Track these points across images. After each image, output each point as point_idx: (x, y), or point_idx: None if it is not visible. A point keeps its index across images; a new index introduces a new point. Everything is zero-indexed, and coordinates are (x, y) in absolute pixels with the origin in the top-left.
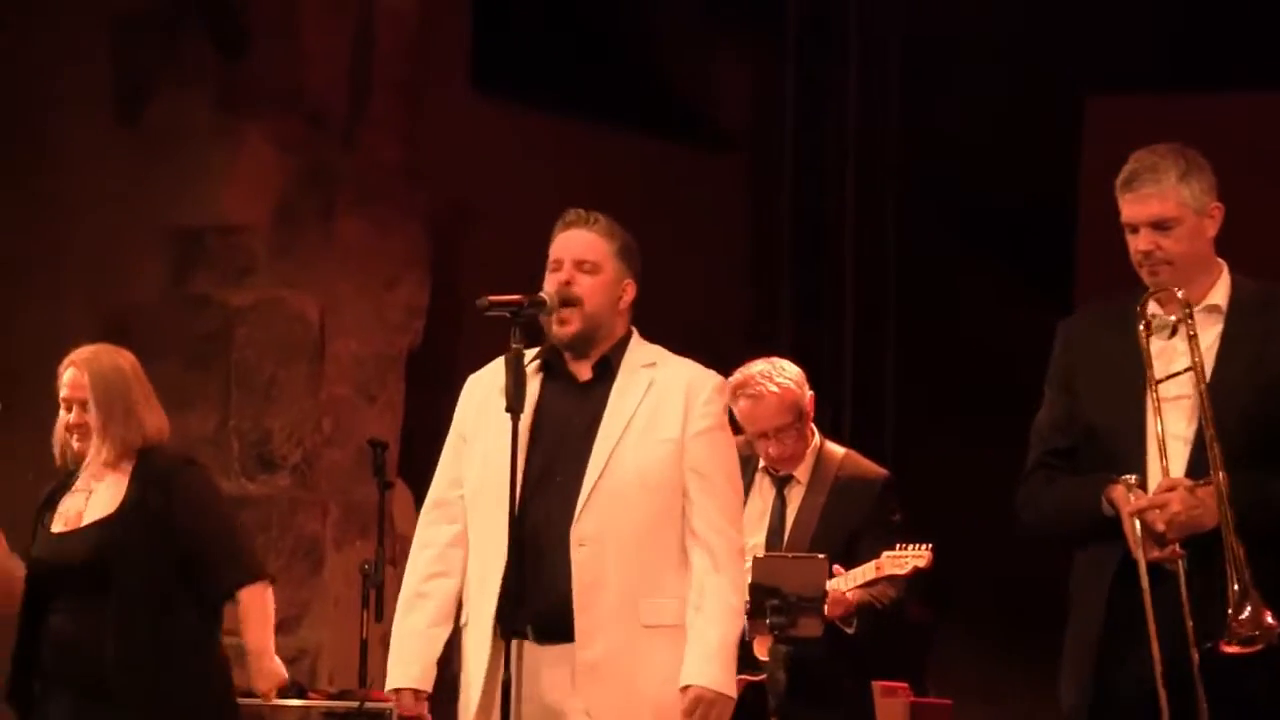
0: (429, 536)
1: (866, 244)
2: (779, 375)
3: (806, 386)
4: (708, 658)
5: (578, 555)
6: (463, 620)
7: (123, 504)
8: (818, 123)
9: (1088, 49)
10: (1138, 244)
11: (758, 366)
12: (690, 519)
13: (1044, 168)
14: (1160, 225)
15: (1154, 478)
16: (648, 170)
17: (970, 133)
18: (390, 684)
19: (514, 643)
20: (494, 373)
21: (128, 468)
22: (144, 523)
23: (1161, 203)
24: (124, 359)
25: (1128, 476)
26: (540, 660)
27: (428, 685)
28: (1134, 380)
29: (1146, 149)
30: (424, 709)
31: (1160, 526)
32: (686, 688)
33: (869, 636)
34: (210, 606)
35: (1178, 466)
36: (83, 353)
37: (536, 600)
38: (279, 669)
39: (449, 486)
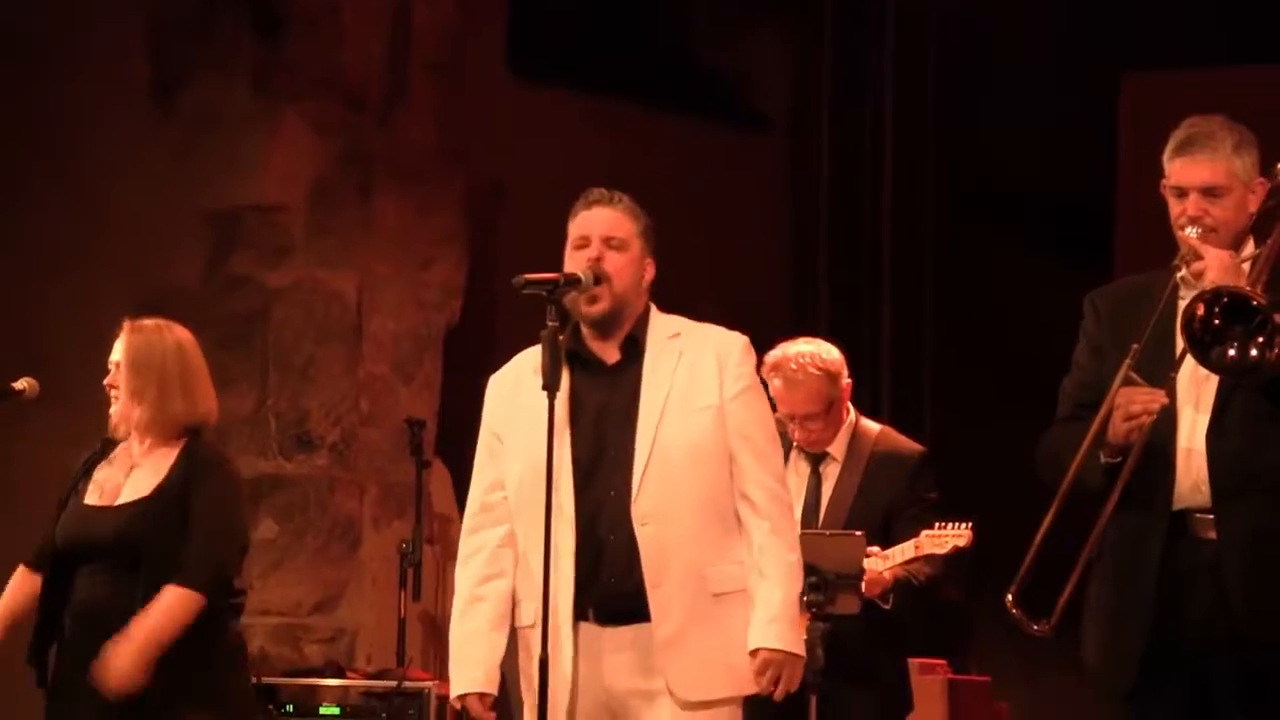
0: (478, 541)
1: (904, 225)
2: (817, 362)
3: (844, 374)
4: (773, 619)
5: (643, 534)
6: (523, 620)
7: (160, 488)
8: (856, 103)
9: (1124, 25)
10: (1186, 208)
11: (797, 348)
12: (739, 482)
13: (1082, 146)
14: (1211, 192)
15: (1183, 438)
16: (685, 152)
17: (1007, 112)
18: (455, 690)
19: (576, 626)
20: (517, 367)
21: (172, 451)
22: (176, 509)
23: (1213, 170)
24: (174, 335)
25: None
26: (602, 643)
27: (493, 688)
28: (1163, 347)
29: (1200, 116)
30: (490, 714)
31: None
32: (755, 651)
33: (906, 611)
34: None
35: (1201, 428)
36: (135, 322)
37: (601, 585)
38: (130, 669)
39: (490, 489)
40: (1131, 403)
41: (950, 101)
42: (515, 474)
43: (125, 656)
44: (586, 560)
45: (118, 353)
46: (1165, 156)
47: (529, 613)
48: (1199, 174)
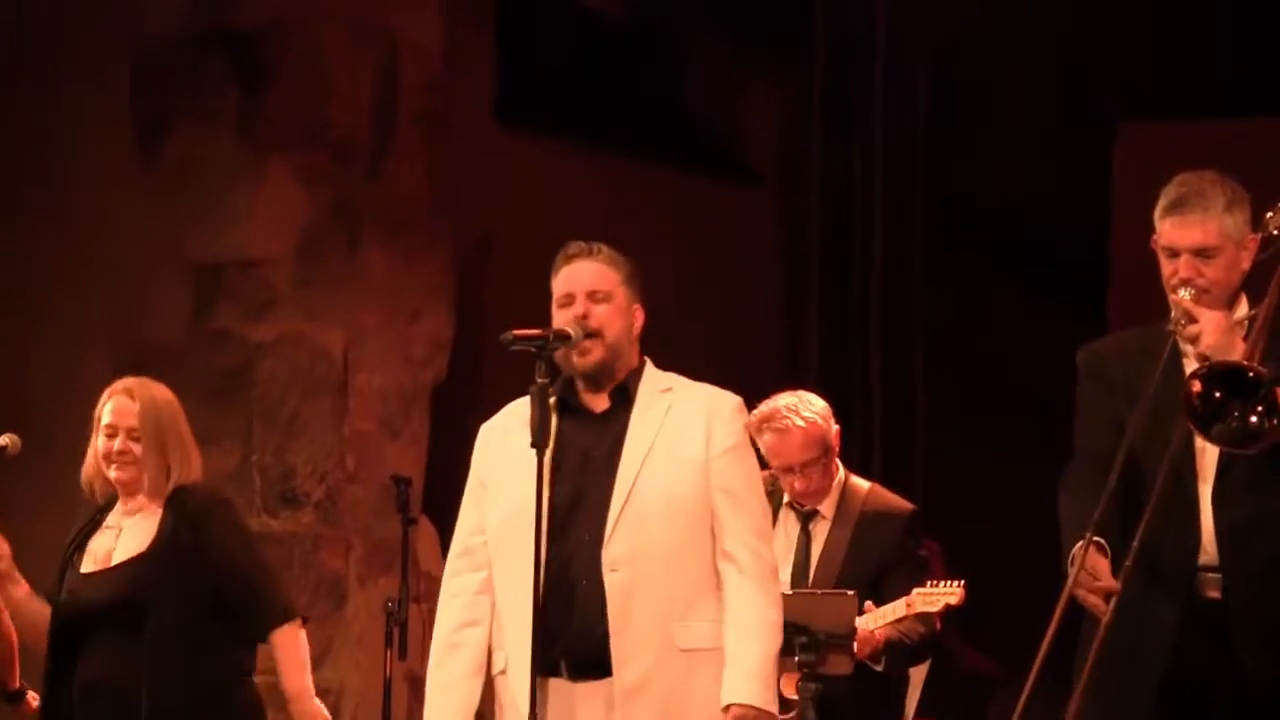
0: (457, 586)
1: (895, 274)
2: (805, 409)
3: (833, 420)
4: (748, 675)
5: (610, 580)
6: (497, 668)
7: (155, 541)
8: (845, 154)
9: (1119, 75)
10: (1178, 269)
11: (783, 400)
12: (721, 538)
13: (1075, 195)
14: (1203, 253)
15: (1188, 504)
16: (674, 203)
17: (1000, 161)
18: None
19: (548, 681)
20: (508, 417)
21: (158, 507)
22: (176, 560)
23: (1204, 231)
24: (165, 392)
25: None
26: (574, 697)
27: None
28: (1165, 411)
29: (1191, 174)
30: None
31: (1202, 329)
32: (728, 707)
33: (899, 672)
34: (245, 645)
35: (1204, 495)
36: (129, 382)
37: (570, 634)
38: (320, 710)
39: (472, 534)
40: (1089, 589)
41: (941, 153)
42: (494, 522)
43: (305, 718)
44: (558, 608)
45: (126, 417)
46: (1156, 214)
47: (500, 660)
48: (1190, 235)
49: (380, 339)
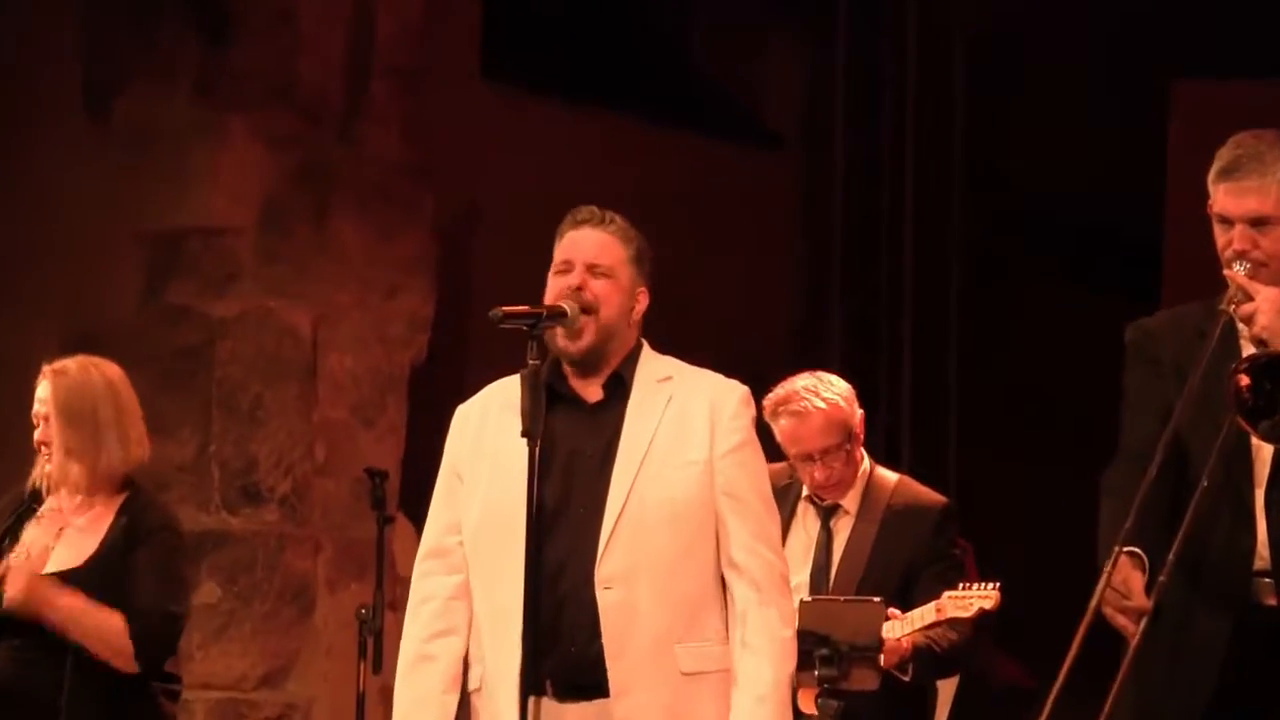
0: (429, 589)
1: (927, 248)
2: (825, 391)
3: (856, 404)
4: (761, 699)
5: (605, 599)
6: (472, 685)
7: (93, 558)
8: (874, 116)
9: (1174, 29)
10: (1232, 239)
11: (801, 381)
12: (727, 547)
13: (1125, 163)
14: (1259, 223)
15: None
16: (683, 169)
17: (1041, 126)
18: None
19: (531, 700)
20: (487, 400)
21: (109, 510)
22: (111, 579)
23: (1261, 199)
24: (101, 372)
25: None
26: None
27: None
28: (1215, 397)
29: (1249, 133)
30: None
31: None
32: None
33: (929, 683)
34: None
35: (1258, 497)
36: (55, 364)
37: (558, 652)
38: (25, 598)
39: (445, 532)
40: (1117, 608)
41: (978, 115)
42: (472, 521)
43: (32, 589)
44: (543, 624)
45: (42, 403)
46: (1210, 179)
47: (477, 676)
48: (1245, 203)
49: (353, 317)
